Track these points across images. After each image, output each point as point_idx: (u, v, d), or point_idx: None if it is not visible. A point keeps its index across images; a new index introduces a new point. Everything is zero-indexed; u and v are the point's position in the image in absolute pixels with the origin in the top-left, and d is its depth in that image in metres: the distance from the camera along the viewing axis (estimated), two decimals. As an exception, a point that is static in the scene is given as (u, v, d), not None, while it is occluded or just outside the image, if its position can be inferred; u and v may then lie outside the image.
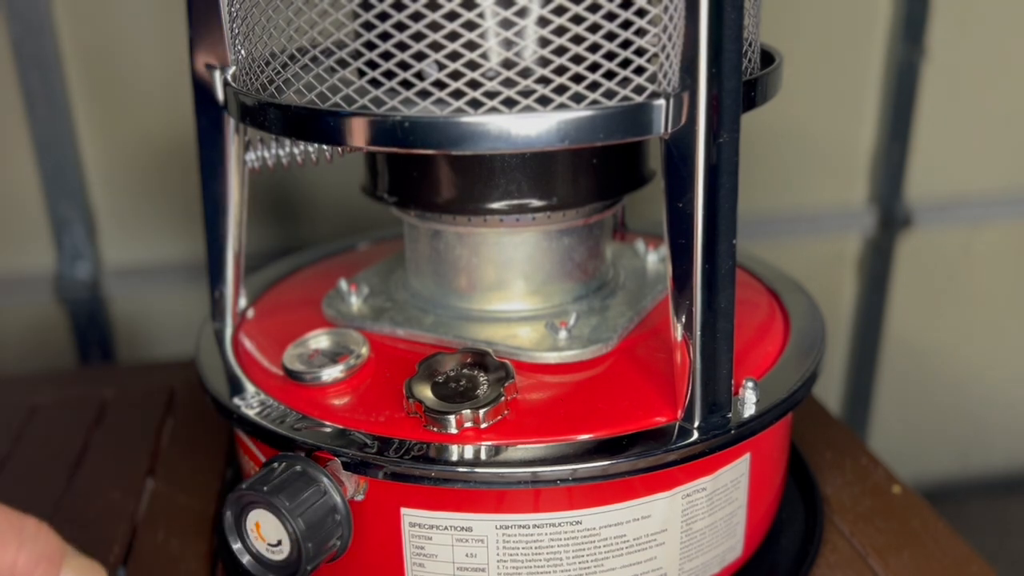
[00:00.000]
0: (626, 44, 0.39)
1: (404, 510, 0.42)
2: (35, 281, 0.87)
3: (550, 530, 0.42)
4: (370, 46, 0.39)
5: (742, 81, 0.38)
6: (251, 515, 0.41)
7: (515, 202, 0.46)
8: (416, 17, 0.38)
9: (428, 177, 0.47)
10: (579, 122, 0.37)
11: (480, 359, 0.45)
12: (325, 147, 0.49)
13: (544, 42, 0.39)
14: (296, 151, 0.50)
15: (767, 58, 0.47)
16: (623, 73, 0.38)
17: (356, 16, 0.39)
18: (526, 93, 0.37)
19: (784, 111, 0.84)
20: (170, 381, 0.72)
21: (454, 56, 0.38)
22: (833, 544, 0.53)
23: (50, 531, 0.32)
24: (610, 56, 0.38)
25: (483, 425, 0.42)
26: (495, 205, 0.46)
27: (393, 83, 0.39)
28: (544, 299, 0.50)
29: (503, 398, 0.42)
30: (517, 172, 0.45)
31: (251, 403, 0.46)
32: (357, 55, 0.40)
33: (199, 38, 0.46)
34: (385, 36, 0.39)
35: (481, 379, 0.44)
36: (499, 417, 0.42)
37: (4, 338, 0.89)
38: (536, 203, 0.46)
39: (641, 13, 0.38)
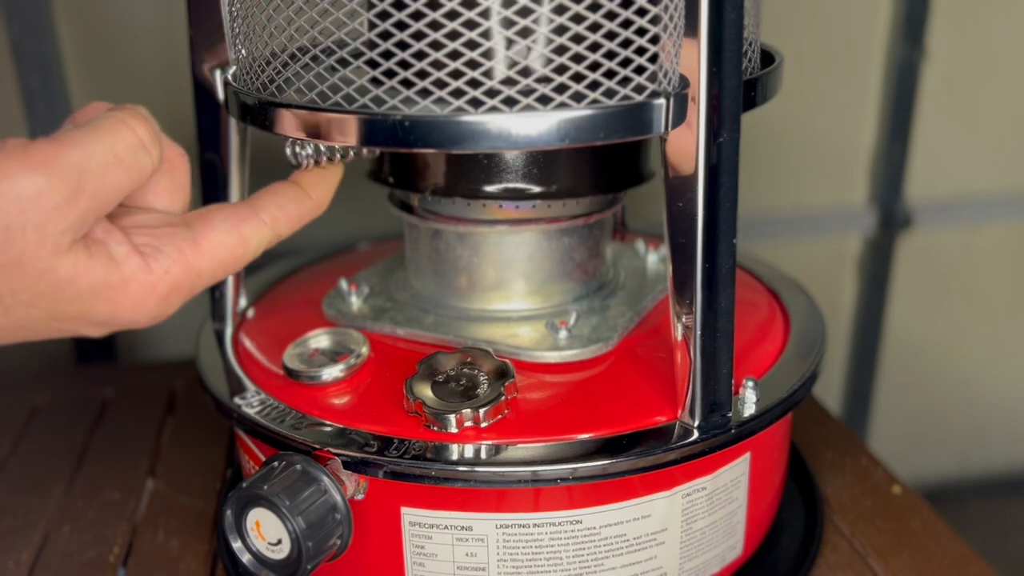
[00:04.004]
0: (626, 43, 0.38)
1: (404, 509, 0.42)
2: (35, 281, 0.87)
3: (550, 529, 0.42)
4: (370, 45, 0.39)
5: (742, 81, 0.38)
6: (251, 514, 0.41)
7: (511, 186, 0.46)
8: (417, 16, 0.38)
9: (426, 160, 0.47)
10: (579, 121, 0.37)
11: (480, 358, 0.45)
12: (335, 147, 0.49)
13: (544, 41, 0.39)
14: (300, 151, 0.50)
15: (767, 58, 0.47)
16: (623, 72, 0.38)
17: (356, 15, 0.39)
18: (526, 92, 0.37)
19: (784, 111, 0.84)
20: (170, 381, 0.72)
21: (455, 55, 0.38)
22: (833, 544, 0.53)
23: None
24: (610, 55, 0.38)
25: (483, 424, 0.42)
26: (492, 188, 0.46)
27: (394, 82, 0.39)
28: (544, 299, 0.50)
29: (503, 397, 0.42)
30: (517, 163, 0.45)
31: (251, 402, 0.46)
32: (357, 54, 0.40)
33: (199, 38, 0.46)
34: (386, 35, 0.39)
35: (481, 378, 0.44)
36: (499, 416, 0.42)
37: (4, 338, 0.89)
38: (535, 189, 0.46)
39: (641, 12, 0.38)
